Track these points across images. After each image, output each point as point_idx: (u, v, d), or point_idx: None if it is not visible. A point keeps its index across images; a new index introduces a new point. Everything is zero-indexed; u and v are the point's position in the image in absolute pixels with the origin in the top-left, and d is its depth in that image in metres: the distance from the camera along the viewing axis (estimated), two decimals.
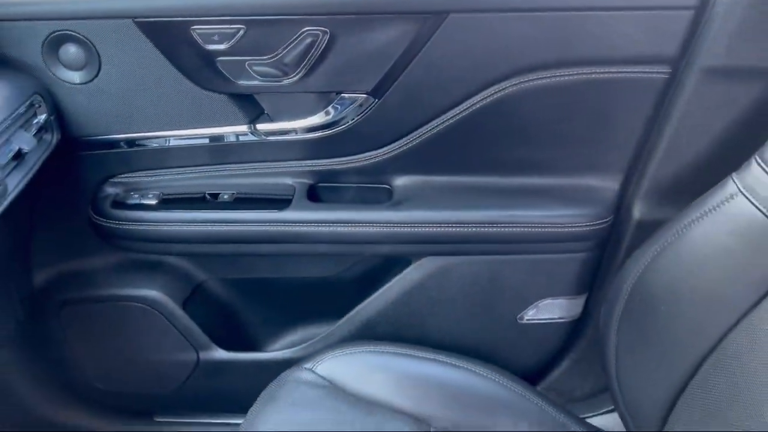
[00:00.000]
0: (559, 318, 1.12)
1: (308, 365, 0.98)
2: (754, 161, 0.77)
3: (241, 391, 1.03)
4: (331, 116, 1.00)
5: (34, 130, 0.89)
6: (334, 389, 0.95)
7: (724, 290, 0.79)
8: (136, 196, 1.05)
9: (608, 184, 1.03)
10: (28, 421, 0.95)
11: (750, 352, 0.76)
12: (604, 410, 1.11)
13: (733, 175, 0.79)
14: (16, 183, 0.85)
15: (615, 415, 1.03)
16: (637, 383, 0.90)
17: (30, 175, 0.88)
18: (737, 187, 0.78)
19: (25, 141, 0.84)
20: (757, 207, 0.75)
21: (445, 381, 0.98)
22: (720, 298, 0.80)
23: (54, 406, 1.24)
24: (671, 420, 0.86)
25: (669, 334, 0.84)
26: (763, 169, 0.76)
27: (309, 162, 1.05)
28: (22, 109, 0.87)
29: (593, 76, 0.93)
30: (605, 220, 1.03)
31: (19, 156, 0.84)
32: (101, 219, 1.04)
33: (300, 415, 0.92)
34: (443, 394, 0.97)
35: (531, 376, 1.20)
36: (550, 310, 1.11)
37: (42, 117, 0.91)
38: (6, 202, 0.82)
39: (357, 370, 0.98)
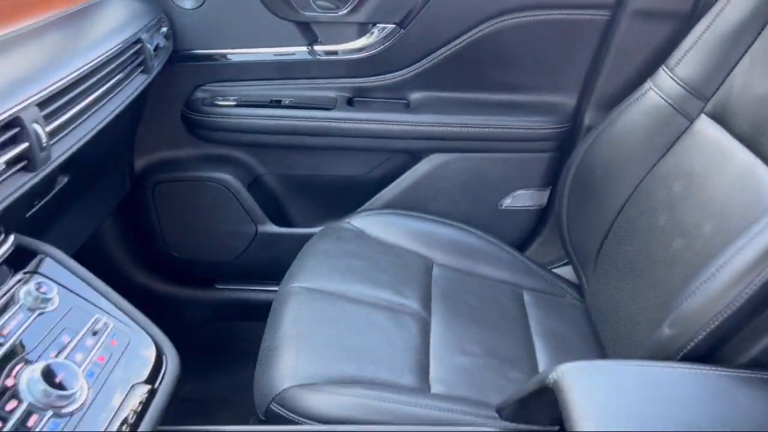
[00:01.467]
0: (529, 206, 1.49)
1: (345, 220, 1.34)
2: (662, 69, 1.14)
3: (287, 261, 1.39)
4: (366, 42, 1.37)
5: (161, 37, 1.26)
6: (362, 234, 1.32)
7: (638, 153, 1.16)
8: (220, 98, 1.42)
9: (567, 100, 1.41)
10: (112, 280, 1.29)
11: (650, 193, 1.13)
12: (559, 264, 1.47)
13: (648, 79, 1.16)
14: (142, 81, 1.20)
15: (569, 268, 1.40)
16: (580, 229, 1.27)
17: (151, 77, 1.24)
18: (650, 85, 1.15)
19: (160, 40, 1.21)
20: (662, 97, 1.13)
21: (447, 235, 1.35)
22: (635, 158, 1.16)
23: (136, 270, 1.59)
24: (601, 253, 1.22)
25: (602, 188, 1.21)
26: (667, 73, 1.14)
27: (348, 80, 1.42)
28: (154, 21, 1.24)
29: (554, 17, 1.31)
30: (564, 126, 1.40)
31: (156, 49, 1.21)
32: (192, 113, 1.41)
33: (334, 246, 1.27)
34: (445, 243, 1.33)
35: None
36: (523, 199, 1.48)
37: (165, 29, 1.28)
38: (135, 94, 1.17)
39: (380, 224, 1.34)
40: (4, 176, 0.71)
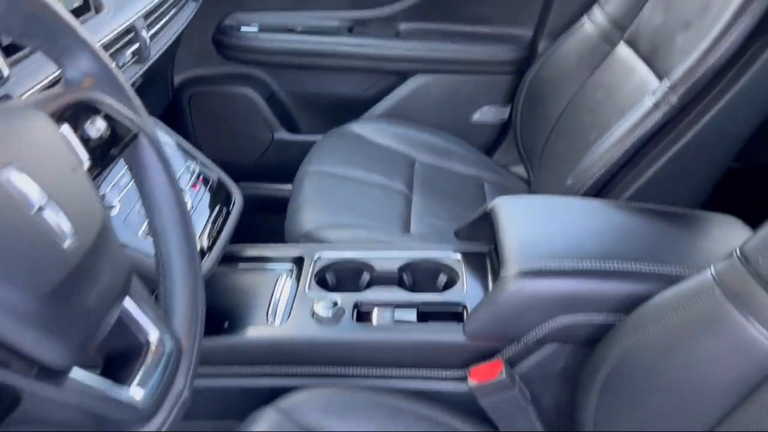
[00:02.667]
0: (494, 121, 1.85)
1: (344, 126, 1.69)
2: (596, 5, 1.47)
3: (298, 163, 1.73)
4: None
5: None
6: (360, 138, 1.66)
7: (574, 73, 1.48)
8: (245, 25, 1.75)
9: (525, 31, 1.75)
10: None
11: (581, 101, 1.48)
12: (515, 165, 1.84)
13: (585, 14, 1.50)
14: (192, 8, 1.52)
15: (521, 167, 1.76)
16: (530, 134, 1.61)
17: (198, 5, 1.56)
18: (586, 19, 1.49)
19: None
20: (593, 28, 1.47)
21: (427, 140, 1.70)
22: (572, 77, 1.48)
23: None
24: (545, 149, 1.58)
25: (546, 101, 1.54)
26: (600, 9, 1.47)
27: (349, 11, 1.76)
28: None
29: None
30: (523, 53, 1.75)
31: None
32: (222, 37, 1.74)
33: (338, 145, 1.62)
34: (425, 146, 1.68)
35: None
36: (488, 114, 1.84)
37: None
38: (189, 18, 1.49)
39: (374, 130, 1.69)
40: (126, 65, 1.05)
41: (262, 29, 1.75)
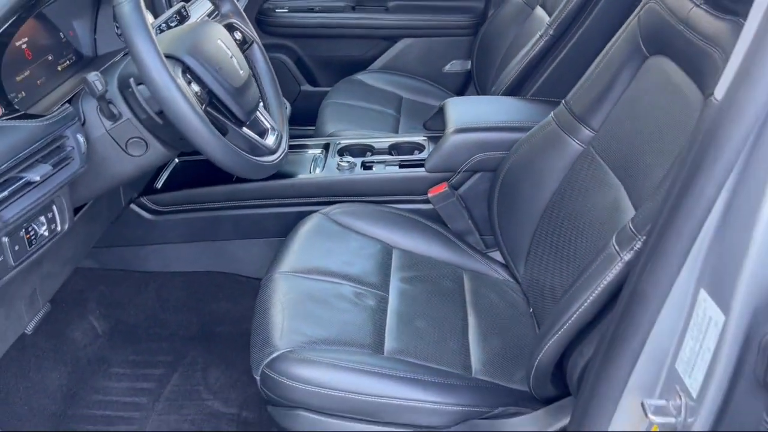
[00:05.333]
0: (460, 70, 2.54)
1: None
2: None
3: (317, 108, 2.42)
4: None
5: None
6: (361, 83, 2.35)
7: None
8: (278, 8, 2.45)
9: (478, 3, 2.45)
10: None
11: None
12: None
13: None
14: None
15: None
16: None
17: None
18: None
19: None
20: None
21: (411, 84, 2.39)
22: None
23: None
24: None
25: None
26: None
27: None
28: None
29: None
30: (478, 20, 2.44)
31: None
32: (262, 17, 2.44)
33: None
34: (410, 88, 2.37)
35: None
36: (456, 65, 2.52)
37: None
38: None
39: (372, 79, 2.38)
40: None
41: (291, 10, 2.46)
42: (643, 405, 0.86)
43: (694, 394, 0.82)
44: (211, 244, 1.75)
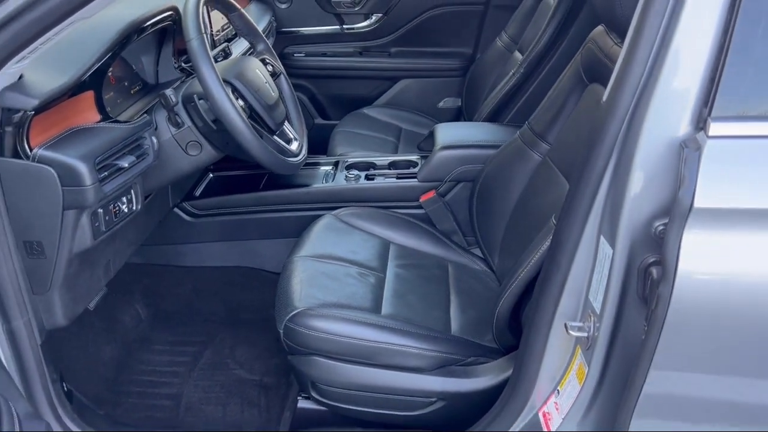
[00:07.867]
0: (452, 106, 2.91)
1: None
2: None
3: (327, 139, 2.80)
4: (368, 22, 2.81)
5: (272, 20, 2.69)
6: (366, 116, 2.73)
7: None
8: (296, 53, 2.85)
9: (467, 49, 2.85)
10: None
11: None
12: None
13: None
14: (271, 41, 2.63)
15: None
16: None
17: (273, 41, 2.67)
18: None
19: (273, 22, 2.65)
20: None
21: (409, 117, 2.76)
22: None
23: None
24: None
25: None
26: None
27: (359, 42, 2.86)
28: (271, 15, 2.66)
29: (458, 8, 2.74)
30: (467, 63, 2.83)
31: None
32: (283, 60, 2.84)
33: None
34: (409, 120, 2.74)
35: None
36: (448, 102, 2.91)
37: (273, 17, 2.71)
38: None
39: (376, 113, 2.76)
40: None
41: (307, 55, 2.86)
42: (566, 326, 1.20)
43: (598, 312, 1.15)
44: (239, 243, 2.10)
